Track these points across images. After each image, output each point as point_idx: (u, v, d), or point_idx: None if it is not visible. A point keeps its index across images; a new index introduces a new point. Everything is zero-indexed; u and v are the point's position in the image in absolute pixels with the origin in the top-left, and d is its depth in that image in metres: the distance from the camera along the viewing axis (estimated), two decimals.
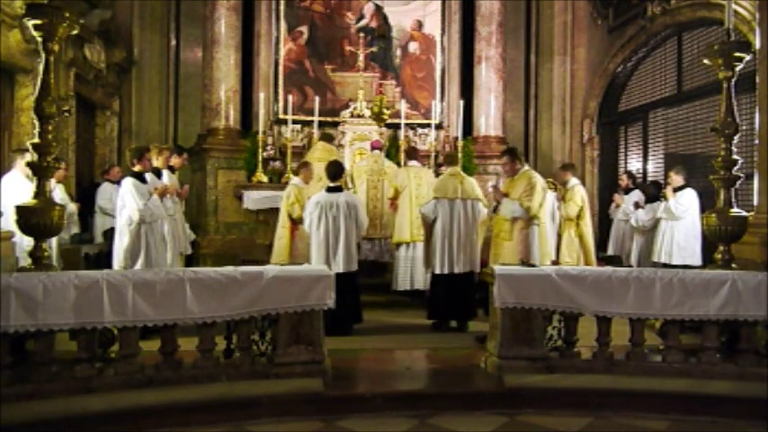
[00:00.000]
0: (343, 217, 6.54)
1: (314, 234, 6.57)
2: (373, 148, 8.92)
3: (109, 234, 7.54)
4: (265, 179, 9.99)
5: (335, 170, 6.79)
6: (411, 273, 7.88)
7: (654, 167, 10.05)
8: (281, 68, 11.12)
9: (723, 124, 5.32)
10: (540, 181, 6.44)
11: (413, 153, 8.42)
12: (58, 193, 6.79)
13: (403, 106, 10.69)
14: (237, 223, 10.25)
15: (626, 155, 10.78)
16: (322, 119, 10.13)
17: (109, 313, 4.17)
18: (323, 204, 6.55)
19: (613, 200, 8.98)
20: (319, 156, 8.52)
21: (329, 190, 6.66)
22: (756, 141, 6.28)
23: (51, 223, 4.74)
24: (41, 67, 4.75)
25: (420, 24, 11.59)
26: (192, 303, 4.37)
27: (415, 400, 4.66)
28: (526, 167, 6.61)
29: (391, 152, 10.29)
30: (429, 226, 6.85)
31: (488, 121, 11.09)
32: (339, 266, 6.40)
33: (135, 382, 4.32)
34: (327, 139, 9.12)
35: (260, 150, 10.02)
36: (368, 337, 6.34)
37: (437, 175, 8.58)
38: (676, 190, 7.46)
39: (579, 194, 7.93)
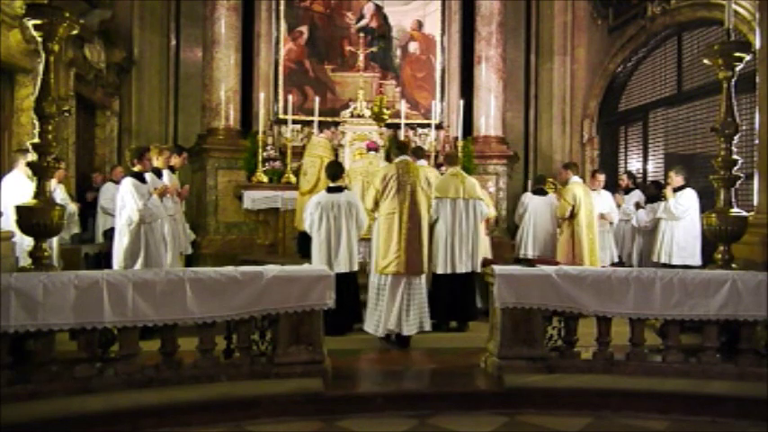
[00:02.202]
0: (345, 217, 6.54)
1: (315, 234, 6.57)
2: (369, 149, 8.93)
3: (109, 234, 7.54)
4: (265, 179, 9.99)
5: (335, 170, 6.80)
6: None
7: (654, 167, 10.05)
8: (281, 68, 11.13)
9: (723, 124, 5.32)
10: (377, 176, 6.32)
11: (419, 152, 8.41)
12: (59, 193, 6.79)
13: (403, 106, 10.70)
14: (237, 223, 10.26)
15: (626, 155, 10.79)
16: (322, 119, 10.14)
17: (109, 313, 4.17)
18: (324, 204, 6.56)
19: (614, 200, 8.99)
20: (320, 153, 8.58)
21: (330, 190, 6.66)
22: (756, 141, 6.27)
23: (51, 223, 4.74)
24: (41, 67, 4.76)
25: (420, 24, 11.59)
26: (192, 303, 4.37)
27: (415, 400, 4.66)
28: (384, 163, 6.57)
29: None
30: (430, 226, 6.85)
31: (488, 121, 11.09)
32: (340, 266, 6.41)
33: (135, 382, 4.32)
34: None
35: (260, 150, 10.02)
36: (368, 337, 6.34)
37: None
38: (676, 190, 7.46)
39: (572, 193, 7.82)
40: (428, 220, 6.60)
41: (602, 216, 8.04)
